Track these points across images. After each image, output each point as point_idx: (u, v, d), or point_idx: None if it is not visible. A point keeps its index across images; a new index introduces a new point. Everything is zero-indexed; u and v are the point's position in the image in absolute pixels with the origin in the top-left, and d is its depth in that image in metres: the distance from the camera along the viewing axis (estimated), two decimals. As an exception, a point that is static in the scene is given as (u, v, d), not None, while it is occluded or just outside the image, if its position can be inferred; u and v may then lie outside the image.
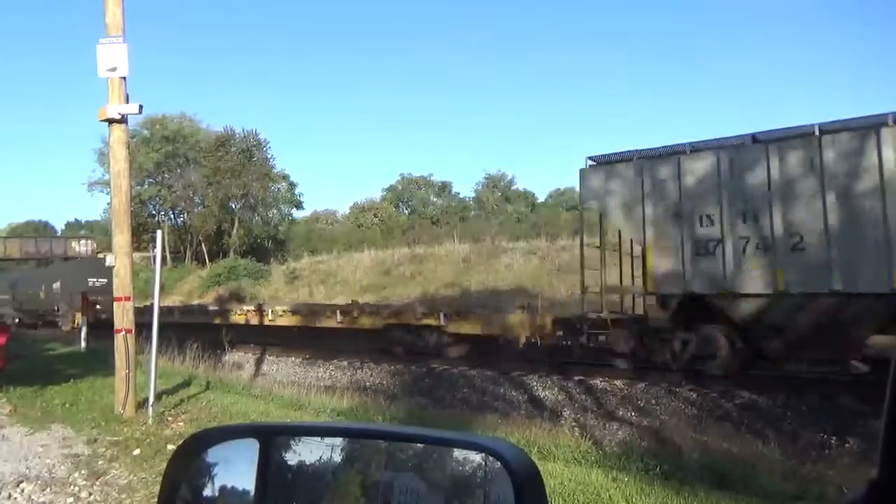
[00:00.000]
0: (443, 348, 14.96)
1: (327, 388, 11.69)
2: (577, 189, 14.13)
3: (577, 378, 12.11)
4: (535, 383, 12.24)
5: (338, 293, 29.10)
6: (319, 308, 19.39)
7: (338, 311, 17.61)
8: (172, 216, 48.46)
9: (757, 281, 10.83)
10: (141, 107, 8.24)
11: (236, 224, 45.76)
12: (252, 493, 1.26)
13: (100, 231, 50.87)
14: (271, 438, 1.34)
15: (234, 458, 1.30)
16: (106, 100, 8.04)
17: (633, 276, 13.65)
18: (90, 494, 5.13)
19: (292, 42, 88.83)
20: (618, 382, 11.66)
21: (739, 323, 11.14)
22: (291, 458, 1.32)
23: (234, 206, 45.55)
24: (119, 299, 8.04)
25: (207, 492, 1.31)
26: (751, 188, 10.97)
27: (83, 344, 16.30)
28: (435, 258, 31.24)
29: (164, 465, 1.37)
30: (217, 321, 19.82)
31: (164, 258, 37.70)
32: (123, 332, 7.96)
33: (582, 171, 13.18)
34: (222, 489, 1.30)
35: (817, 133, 10.40)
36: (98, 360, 12.02)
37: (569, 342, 13.62)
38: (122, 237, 8.08)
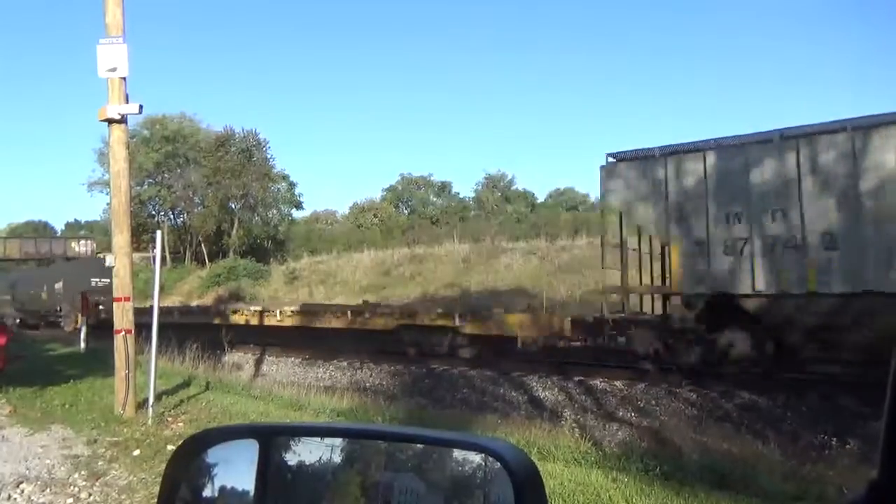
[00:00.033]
0: (457, 349, 14.71)
1: (327, 388, 11.69)
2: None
3: (576, 378, 12.11)
4: (534, 384, 12.24)
5: (337, 293, 29.12)
6: (329, 308, 19.14)
7: (348, 312, 17.41)
8: (172, 216, 48.48)
9: (787, 281, 10.51)
10: (141, 107, 8.24)
11: (236, 224, 45.75)
12: (252, 493, 1.26)
13: (100, 231, 50.86)
14: (271, 439, 1.34)
15: (233, 458, 1.30)
16: (106, 100, 8.05)
17: (650, 275, 13.30)
18: (90, 495, 5.12)
19: (292, 42, 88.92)
20: (617, 383, 11.66)
21: (768, 324, 10.84)
22: (291, 459, 1.32)
23: (233, 206, 45.55)
24: (119, 300, 8.04)
25: (207, 492, 1.31)
26: (780, 185, 10.65)
27: (83, 344, 16.30)
28: (435, 258, 31.25)
29: (164, 465, 1.37)
30: (217, 321, 19.80)
31: (163, 258, 37.69)
32: (123, 333, 7.96)
33: (602, 169, 12.84)
34: (222, 489, 1.30)
35: (849, 129, 10.13)
36: (98, 361, 12.02)
37: (587, 343, 13.41)
38: (121, 237, 8.08)
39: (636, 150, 12.71)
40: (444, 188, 58.53)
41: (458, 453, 1.22)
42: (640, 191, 12.30)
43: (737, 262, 11.00)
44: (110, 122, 8.05)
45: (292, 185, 49.57)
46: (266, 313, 19.33)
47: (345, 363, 15.39)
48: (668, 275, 12.99)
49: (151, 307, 8.13)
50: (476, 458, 1.18)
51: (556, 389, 11.88)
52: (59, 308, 27.00)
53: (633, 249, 13.27)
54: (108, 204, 38.44)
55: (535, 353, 13.76)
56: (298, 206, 51.62)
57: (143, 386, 8.25)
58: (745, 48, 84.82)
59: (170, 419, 7.63)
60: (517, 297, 20.68)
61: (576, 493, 4.55)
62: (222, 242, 46.28)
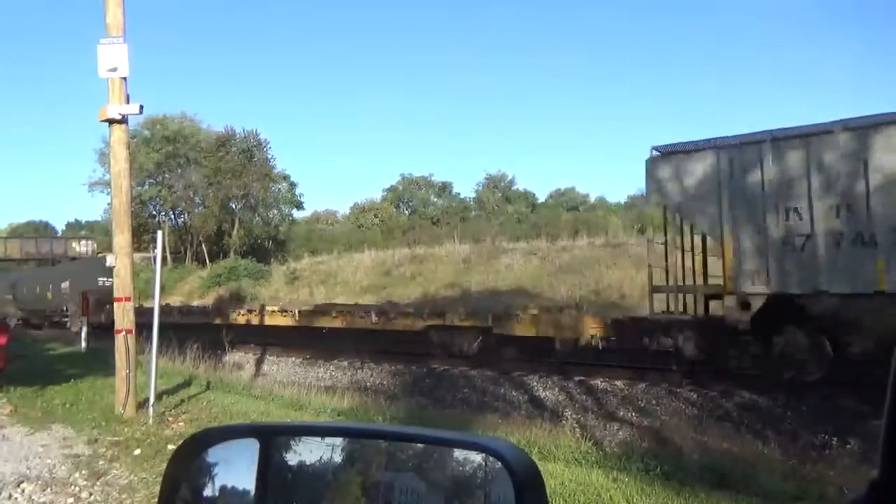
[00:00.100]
0: (489, 351, 14.34)
1: (327, 388, 11.69)
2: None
3: (577, 378, 12.10)
4: (535, 383, 12.23)
5: (338, 294, 29.10)
6: (353, 309, 18.52)
7: (372, 312, 16.99)
8: (173, 216, 48.47)
9: (852, 280, 9.93)
10: (141, 107, 8.25)
11: (237, 224, 45.75)
12: (252, 493, 1.26)
13: (100, 231, 50.90)
14: (271, 438, 1.34)
15: (234, 458, 1.30)
16: (106, 100, 8.05)
17: (692, 274, 12.78)
18: (91, 495, 5.13)
19: (293, 42, 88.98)
20: (618, 383, 11.65)
21: (830, 325, 10.28)
22: (292, 458, 1.32)
23: (234, 206, 45.53)
24: (119, 299, 8.04)
25: (207, 492, 1.31)
26: (845, 179, 10.03)
27: (83, 344, 16.31)
28: (435, 258, 31.25)
29: (165, 465, 1.37)
30: (218, 321, 19.79)
31: (164, 258, 37.71)
32: (124, 333, 7.96)
33: (648, 162, 12.22)
34: (222, 489, 1.30)
35: None
36: (98, 361, 12.03)
37: (628, 345, 12.78)
38: (122, 237, 8.09)
39: (684, 142, 12.15)
40: (444, 188, 58.56)
41: (458, 453, 1.22)
42: (690, 185, 11.66)
43: (796, 261, 10.45)
44: (111, 122, 8.06)
45: (293, 185, 49.62)
46: (284, 313, 18.97)
47: (345, 363, 15.39)
48: (704, 274, 12.61)
49: (152, 307, 8.14)
50: (477, 457, 1.17)
51: (557, 389, 11.88)
52: (65, 308, 26.82)
53: (676, 247, 12.79)
54: (108, 204, 38.34)
55: (573, 353, 13.23)
56: (299, 206, 51.67)
57: (143, 385, 8.26)
58: (744, 49, 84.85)
59: (170, 419, 7.64)
60: (518, 298, 20.69)
61: (576, 493, 4.55)
62: (223, 242, 46.27)
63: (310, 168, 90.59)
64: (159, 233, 10.38)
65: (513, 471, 1.10)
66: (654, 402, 10.85)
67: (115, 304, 8.08)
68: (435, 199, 58.52)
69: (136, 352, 8.26)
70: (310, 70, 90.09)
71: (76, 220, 68.07)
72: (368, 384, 13.72)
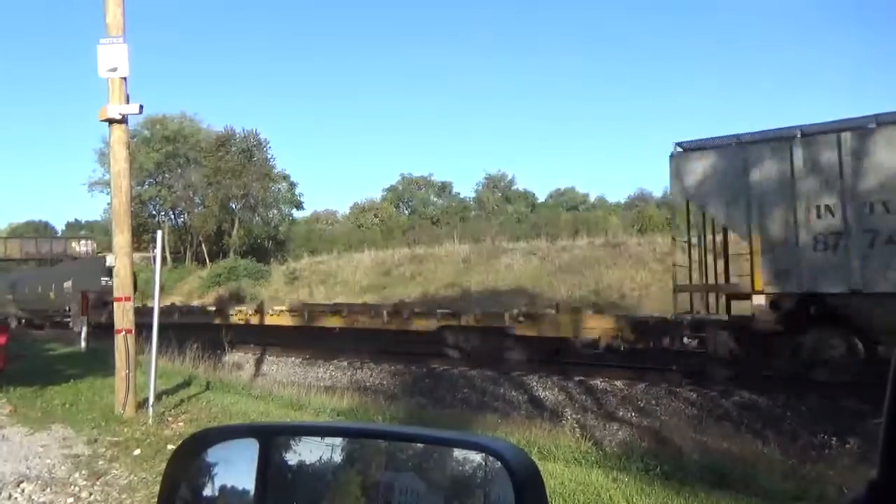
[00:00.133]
0: (505, 351, 14.03)
1: (327, 388, 11.69)
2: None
3: (577, 378, 12.10)
4: (535, 383, 12.23)
5: (338, 293, 29.11)
6: (363, 308, 18.35)
7: (384, 312, 16.61)
8: (173, 216, 48.48)
9: (887, 279, 9.69)
10: (141, 107, 8.24)
11: (236, 224, 45.75)
12: (252, 493, 1.26)
13: (100, 231, 50.88)
14: (271, 438, 1.34)
15: (233, 458, 1.30)
16: (106, 100, 8.05)
17: (714, 273, 12.51)
18: (90, 494, 5.13)
19: (293, 42, 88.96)
20: (618, 383, 11.65)
21: (864, 326, 10.04)
22: (291, 458, 1.32)
23: (234, 206, 45.54)
24: (119, 299, 8.04)
25: (207, 492, 1.31)
26: (880, 175, 9.73)
27: (83, 344, 16.31)
28: (435, 258, 31.25)
29: (164, 465, 1.37)
30: (217, 321, 19.77)
31: (164, 258, 37.70)
32: (123, 333, 7.96)
33: (672, 159, 11.95)
34: (222, 489, 1.30)
35: None
36: (98, 361, 12.02)
37: (652, 345, 12.48)
38: (122, 237, 8.09)
39: (709, 138, 11.92)
40: (444, 188, 58.57)
41: (458, 453, 1.22)
42: (715, 182, 11.38)
43: (829, 259, 10.16)
44: (111, 122, 8.06)
45: (293, 185, 49.64)
46: (293, 313, 18.74)
47: (345, 363, 15.38)
48: (726, 272, 12.34)
49: (152, 307, 8.14)
50: (476, 457, 1.18)
51: (557, 389, 11.88)
52: (67, 308, 26.65)
53: (696, 245, 12.53)
54: (108, 204, 38.34)
55: (596, 355, 12.89)
56: (299, 206, 51.69)
57: (143, 386, 8.25)
58: (744, 49, 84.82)
59: (170, 419, 7.63)
60: (518, 298, 20.69)
61: (576, 493, 4.55)
62: (223, 242, 46.27)
63: (310, 168, 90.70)
64: (159, 233, 10.38)
65: (512, 471, 1.10)
66: (653, 402, 10.85)
67: (115, 304, 8.08)
68: (435, 199, 58.54)
69: (136, 352, 8.26)
70: (310, 70, 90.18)
71: (76, 220, 68.19)
72: (368, 384, 13.72)
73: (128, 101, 8.07)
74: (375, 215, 54.26)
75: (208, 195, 44.39)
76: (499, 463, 1.12)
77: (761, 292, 10.87)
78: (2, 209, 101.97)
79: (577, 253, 27.03)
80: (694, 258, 12.44)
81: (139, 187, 42.57)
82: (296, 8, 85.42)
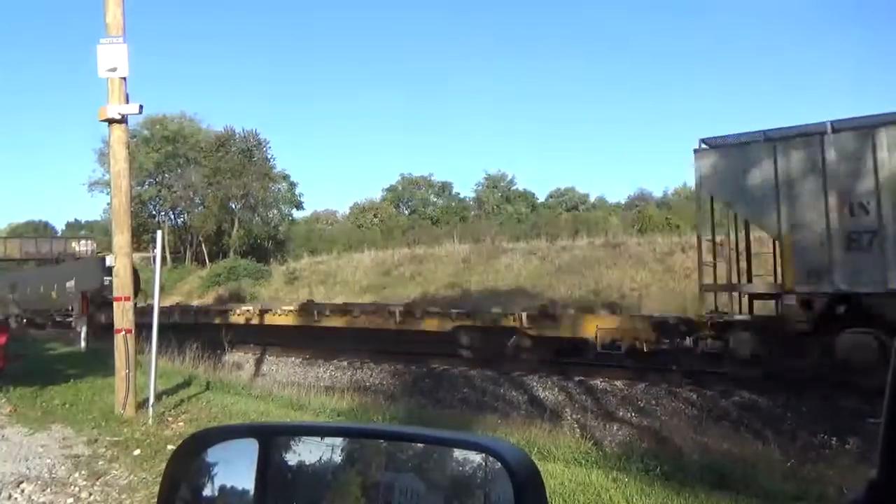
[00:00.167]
0: (521, 352, 13.72)
1: (327, 388, 11.69)
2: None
3: (577, 378, 12.10)
4: (535, 384, 12.24)
5: (338, 293, 29.10)
6: (375, 308, 17.91)
7: (396, 312, 16.18)
8: (172, 216, 48.51)
9: None
10: (141, 107, 8.24)
11: (236, 224, 45.78)
12: (252, 493, 1.26)
13: (100, 231, 50.86)
14: (271, 438, 1.34)
15: (233, 458, 1.30)
16: (106, 100, 8.05)
17: (736, 272, 12.16)
18: (90, 495, 5.13)
19: (293, 42, 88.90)
20: (618, 383, 11.65)
21: None
22: (291, 459, 1.32)
23: (234, 206, 45.59)
24: (119, 299, 8.04)
25: (207, 492, 1.31)
26: None
27: (83, 344, 16.31)
28: (435, 258, 31.26)
29: (164, 465, 1.37)
30: (217, 321, 19.75)
31: (164, 258, 37.68)
32: (123, 333, 7.96)
33: (696, 154, 11.73)
34: (222, 489, 1.30)
35: None
36: (98, 361, 12.02)
37: (675, 346, 12.06)
38: (122, 237, 8.09)
39: (734, 134, 11.67)
40: (444, 188, 58.57)
41: (458, 453, 1.22)
42: (742, 179, 11.11)
43: (863, 258, 9.90)
44: (111, 122, 8.06)
45: (293, 185, 49.71)
46: (304, 312, 18.40)
47: (345, 363, 15.38)
48: (749, 271, 12.04)
49: (152, 307, 8.14)
50: (476, 457, 1.18)
51: (557, 389, 11.88)
52: (70, 307, 26.46)
53: (720, 244, 12.23)
54: (108, 204, 38.39)
55: (616, 357, 12.55)
56: (299, 206, 51.76)
57: (143, 386, 8.25)
58: (743, 50, 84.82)
59: (170, 419, 7.63)
60: (518, 297, 20.69)
61: (576, 493, 4.55)
62: (222, 242, 46.31)
63: (310, 168, 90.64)
64: (159, 233, 10.39)
65: (512, 471, 1.10)
66: (653, 402, 10.85)
67: (115, 304, 8.08)
68: (435, 199, 58.54)
69: (136, 352, 8.26)
70: (310, 70, 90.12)
71: (76, 219, 68.13)
72: (368, 384, 13.72)
73: (127, 101, 8.07)
74: (375, 215, 54.28)
75: (208, 195, 44.42)
76: (499, 463, 1.12)
77: (792, 292, 10.60)
78: (2, 209, 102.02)
79: (577, 253, 27.04)
80: (723, 255, 12.07)
81: (139, 187, 42.59)
82: (296, 8, 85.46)
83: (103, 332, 15.78)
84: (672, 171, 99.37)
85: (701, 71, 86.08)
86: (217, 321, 19.70)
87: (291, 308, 19.20)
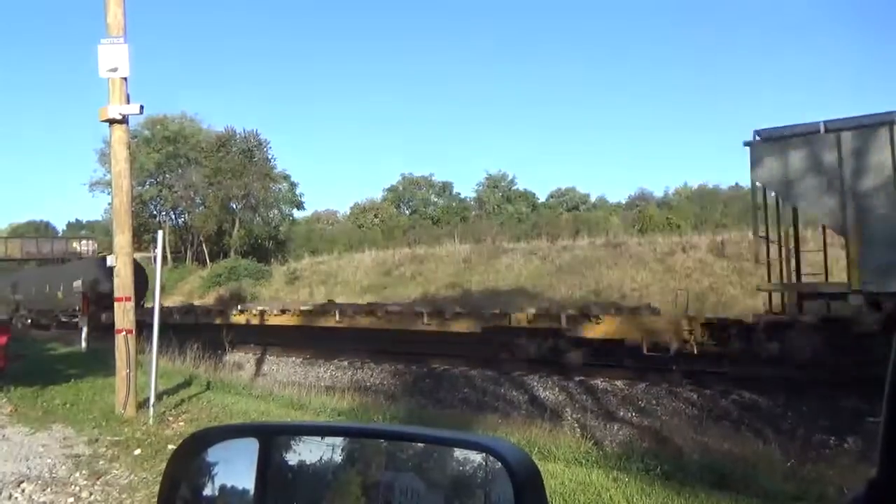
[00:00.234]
0: (561, 354, 13.10)
1: (328, 388, 11.69)
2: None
3: (577, 378, 12.09)
4: (535, 384, 12.23)
5: (338, 294, 29.11)
6: (404, 308, 17.37)
7: (424, 314, 15.59)
8: (173, 216, 48.50)
9: None
10: (142, 107, 8.25)
11: (237, 224, 45.79)
12: (252, 492, 1.26)
13: (101, 231, 50.90)
14: (271, 438, 1.34)
15: (234, 457, 1.30)
16: (107, 100, 8.05)
17: (788, 270, 11.69)
18: (91, 494, 5.13)
19: (294, 42, 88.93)
20: (618, 383, 11.64)
21: None
22: (291, 458, 1.32)
23: (234, 206, 45.59)
24: (119, 299, 8.04)
25: (207, 491, 1.31)
26: None
27: (83, 344, 16.31)
28: (435, 258, 31.27)
29: (165, 464, 1.37)
30: (218, 321, 19.75)
31: (164, 258, 37.71)
32: (124, 333, 7.97)
33: (752, 147, 11.24)
34: (222, 489, 1.30)
35: None
36: (98, 360, 12.03)
37: (726, 348, 11.57)
38: (123, 237, 8.09)
39: (790, 125, 11.14)
40: (445, 188, 58.54)
41: (458, 453, 1.22)
42: (803, 172, 10.58)
43: None
44: (111, 122, 8.06)
45: (293, 185, 49.69)
46: (325, 314, 18.01)
47: (345, 363, 15.38)
48: (798, 269, 11.55)
49: (152, 307, 8.14)
50: (477, 457, 1.18)
51: (557, 389, 11.87)
52: (77, 308, 26.24)
53: (773, 241, 11.72)
54: (109, 204, 38.38)
55: (665, 360, 11.94)
56: (299, 206, 51.73)
57: (143, 385, 8.26)
58: (743, 51, 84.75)
59: (170, 419, 7.64)
60: (518, 297, 20.69)
61: (576, 493, 4.55)
62: (223, 242, 46.32)
63: (310, 168, 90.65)
64: (160, 233, 10.39)
65: (513, 471, 1.10)
66: (654, 402, 10.85)
67: (116, 304, 8.08)
68: (435, 199, 58.51)
69: (137, 352, 8.26)
70: (310, 70, 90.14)
71: (77, 219, 68.20)
72: (368, 384, 13.72)
73: (128, 102, 8.07)
74: (376, 215, 54.29)
75: (209, 195, 44.43)
76: (499, 463, 1.12)
77: (859, 292, 10.09)
78: (2, 209, 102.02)
79: (577, 253, 27.04)
80: (776, 253, 11.63)
81: (140, 187, 42.59)
82: (298, 9, 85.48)
83: (105, 332, 15.79)
84: (672, 170, 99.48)
85: (699, 70, 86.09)
86: (218, 321, 19.70)
87: (307, 308, 18.78)
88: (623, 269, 23.81)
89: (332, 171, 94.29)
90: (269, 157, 45.85)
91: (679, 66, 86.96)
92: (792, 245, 11.90)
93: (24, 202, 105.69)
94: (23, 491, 5.19)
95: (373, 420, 7.40)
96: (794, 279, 11.63)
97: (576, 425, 8.75)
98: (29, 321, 28.31)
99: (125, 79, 8.05)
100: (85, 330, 16.84)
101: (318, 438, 1.31)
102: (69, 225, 67.41)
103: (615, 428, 9.66)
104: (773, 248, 11.67)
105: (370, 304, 18.97)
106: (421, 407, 10.42)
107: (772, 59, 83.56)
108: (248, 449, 1.29)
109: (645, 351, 12.03)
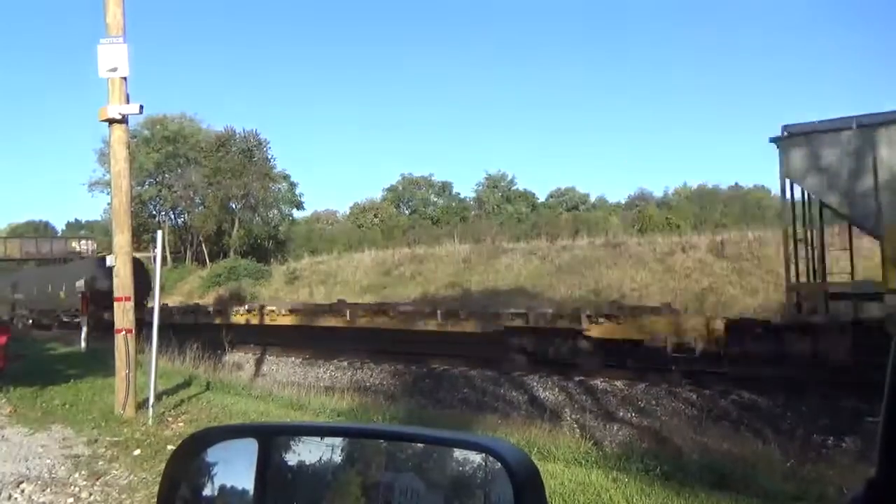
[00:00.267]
0: (581, 356, 12.85)
1: (327, 388, 11.70)
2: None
3: (577, 378, 12.09)
4: (535, 384, 12.23)
5: (338, 294, 29.12)
6: (414, 308, 17.14)
7: (438, 313, 15.26)
8: (173, 216, 48.48)
9: None
10: (141, 107, 8.25)
11: (236, 224, 45.77)
12: (251, 492, 1.26)
13: (100, 231, 50.88)
14: (271, 438, 1.34)
15: (233, 457, 1.30)
16: (106, 100, 8.05)
17: (813, 269, 11.38)
18: (90, 495, 5.13)
19: (294, 42, 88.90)
20: (618, 383, 11.64)
21: None
22: (291, 458, 1.32)
23: (234, 206, 45.56)
24: (119, 299, 8.04)
25: (207, 491, 1.31)
26: None
27: (83, 344, 16.30)
28: (435, 258, 31.26)
29: (164, 465, 1.37)
30: (218, 321, 19.72)
31: (164, 258, 37.70)
32: (123, 333, 7.96)
33: (781, 144, 10.99)
34: (222, 489, 1.30)
35: None
36: (98, 361, 12.02)
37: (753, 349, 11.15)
38: (122, 237, 8.09)
39: (820, 121, 10.92)
40: (444, 188, 58.53)
41: (458, 453, 1.22)
42: (834, 169, 10.36)
43: None
44: (111, 122, 8.06)
45: (293, 185, 49.65)
46: (335, 314, 17.61)
47: (345, 363, 15.38)
48: (822, 268, 11.31)
49: (152, 307, 8.14)
50: (476, 457, 1.17)
51: (557, 389, 11.88)
52: (79, 307, 25.99)
53: (800, 240, 11.48)
54: (108, 204, 38.18)
55: (690, 361, 11.62)
56: (299, 206, 51.68)
57: (143, 386, 8.26)
58: (743, 51, 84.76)
59: (170, 419, 7.64)
60: (518, 297, 20.68)
61: (576, 493, 4.55)
62: (223, 242, 46.29)
63: (310, 168, 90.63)
64: (159, 232, 10.39)
65: (512, 471, 1.10)
66: (653, 402, 10.85)
67: (115, 304, 8.08)
68: (435, 199, 58.50)
69: (136, 352, 8.26)
70: (310, 70, 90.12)
71: (76, 219, 68.11)
72: (368, 384, 13.72)
73: (128, 101, 8.07)
74: (375, 215, 54.27)
75: (208, 195, 44.41)
76: (499, 463, 1.12)
77: (895, 292, 9.83)
78: (2, 209, 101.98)
79: (577, 253, 27.03)
80: (800, 253, 11.40)
81: (139, 187, 42.56)
82: (298, 10, 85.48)
83: (105, 332, 15.74)
84: (671, 171, 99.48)
85: (701, 70, 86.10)
86: (218, 321, 19.67)
87: (317, 307, 18.58)
88: (623, 269, 23.81)
89: (331, 171, 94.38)
90: (269, 156, 45.88)
91: (679, 67, 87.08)
92: (817, 243, 11.62)
93: (24, 202, 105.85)
94: (22, 491, 5.19)
95: (372, 420, 7.40)
96: (817, 279, 11.37)
97: (575, 426, 8.75)
98: (30, 321, 28.24)
99: (125, 79, 8.05)
100: (84, 330, 16.83)
101: (318, 439, 1.31)
102: (68, 225, 67.43)
103: (615, 428, 9.67)
104: (800, 246, 11.43)
105: (382, 304, 18.71)
106: (421, 407, 10.42)
107: (772, 59, 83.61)
108: (248, 449, 1.29)
109: (670, 352, 11.72)
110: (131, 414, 7.77)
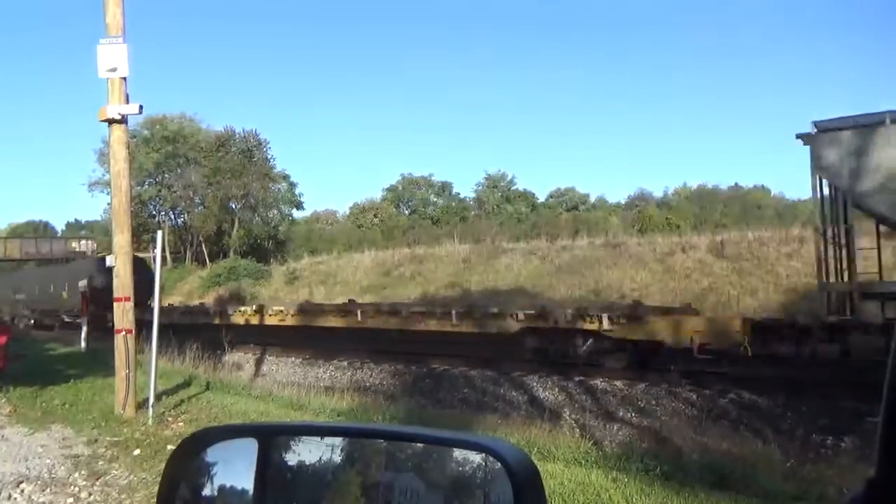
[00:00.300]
0: (601, 357, 12.64)
1: (327, 388, 11.70)
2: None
3: (577, 378, 12.09)
4: (535, 384, 12.23)
5: (338, 294, 29.11)
6: (426, 309, 16.76)
7: (453, 313, 14.99)
8: (173, 216, 48.45)
9: None
10: (141, 107, 8.25)
11: (236, 224, 45.75)
12: (251, 492, 1.26)
13: (100, 231, 50.89)
14: (271, 438, 1.34)
15: (233, 457, 1.30)
16: (106, 100, 8.05)
17: (839, 268, 11.13)
18: (90, 495, 5.13)
19: (294, 42, 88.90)
20: (618, 383, 11.64)
21: None
22: (291, 458, 1.32)
23: (234, 206, 45.54)
24: (119, 299, 8.04)
25: (206, 491, 1.31)
26: None
27: (83, 344, 16.30)
28: (435, 258, 31.25)
29: (164, 464, 1.37)
30: (217, 321, 19.69)
31: (164, 258, 37.67)
32: (123, 333, 7.96)
33: (811, 140, 10.70)
34: (221, 489, 1.30)
35: None
36: (98, 361, 12.02)
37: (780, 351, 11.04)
38: (122, 237, 8.09)
39: (852, 116, 10.61)
40: (444, 188, 58.51)
41: (458, 453, 1.22)
42: (869, 166, 10.04)
43: None
44: (111, 122, 8.06)
45: (293, 185, 49.62)
46: (345, 314, 17.25)
47: (345, 363, 15.37)
48: (850, 267, 10.97)
49: (152, 307, 8.14)
50: (476, 457, 1.17)
51: (557, 389, 11.88)
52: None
53: (830, 239, 11.25)
54: (108, 204, 38.25)
55: (713, 362, 11.45)
56: (299, 206, 51.66)
57: (143, 386, 8.26)
58: (742, 52, 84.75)
59: (170, 419, 7.64)
60: (518, 297, 20.67)
61: (576, 493, 4.55)
62: (223, 242, 46.27)
63: (310, 168, 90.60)
64: (159, 233, 10.39)
65: (512, 471, 1.10)
66: (653, 402, 10.85)
67: (115, 305, 8.08)
68: (435, 199, 58.49)
69: (136, 352, 8.26)
70: (310, 70, 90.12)
71: (76, 219, 68.09)
72: (368, 384, 13.72)
73: (127, 102, 8.07)
74: (375, 215, 54.25)
75: (208, 195, 44.39)
76: (499, 463, 1.12)
77: None
78: (2, 209, 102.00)
79: (577, 253, 27.02)
80: (834, 252, 11.13)
81: (139, 187, 42.54)
82: (299, 10, 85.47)
83: (105, 332, 15.72)
84: (671, 171, 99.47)
85: (701, 71, 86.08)
86: (217, 321, 19.64)
87: (327, 306, 18.37)
88: (623, 269, 23.80)
89: (331, 171, 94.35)
90: (269, 157, 45.86)
91: (678, 68, 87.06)
92: (844, 241, 11.30)
93: (23, 202, 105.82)
94: (22, 491, 5.19)
95: (372, 420, 7.40)
96: (845, 278, 11.06)
97: (575, 425, 8.75)
98: (32, 322, 28.20)
99: (124, 79, 8.05)
100: (84, 330, 16.83)
101: (318, 439, 1.31)
102: (68, 225, 67.43)
103: (615, 428, 9.67)
104: (829, 244, 11.20)
105: (394, 304, 18.48)
106: (421, 407, 10.42)
107: (771, 59, 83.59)
108: (248, 449, 1.29)
109: (696, 353, 11.42)
110: (131, 414, 7.78)
